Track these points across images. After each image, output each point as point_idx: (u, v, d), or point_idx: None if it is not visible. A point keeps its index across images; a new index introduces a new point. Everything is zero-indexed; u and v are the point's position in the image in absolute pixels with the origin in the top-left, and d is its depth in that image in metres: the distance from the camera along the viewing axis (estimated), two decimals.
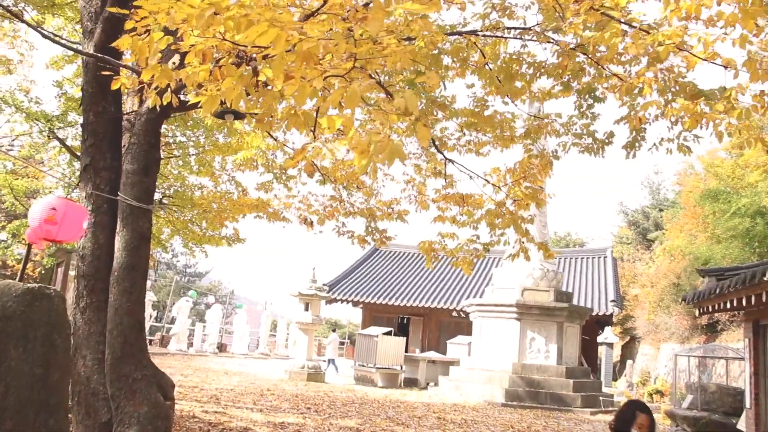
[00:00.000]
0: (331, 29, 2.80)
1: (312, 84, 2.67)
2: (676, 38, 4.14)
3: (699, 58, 4.44)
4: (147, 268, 6.08)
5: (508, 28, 8.61)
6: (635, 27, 4.63)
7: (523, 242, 10.82)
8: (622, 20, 4.71)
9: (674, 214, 35.38)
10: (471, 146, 11.68)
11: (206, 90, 3.47)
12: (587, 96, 7.77)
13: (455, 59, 9.16)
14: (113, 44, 3.07)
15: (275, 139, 11.20)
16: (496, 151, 11.54)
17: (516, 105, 9.93)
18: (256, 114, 6.54)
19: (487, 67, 9.05)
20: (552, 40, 8.16)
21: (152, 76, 3.49)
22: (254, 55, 3.36)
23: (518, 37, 8.74)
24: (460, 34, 8.56)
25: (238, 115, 6.68)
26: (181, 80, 3.70)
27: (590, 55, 7.72)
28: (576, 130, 9.81)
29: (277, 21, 2.39)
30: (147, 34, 2.77)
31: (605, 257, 35.11)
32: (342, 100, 3.32)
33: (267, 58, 3.26)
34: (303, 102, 2.72)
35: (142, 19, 2.67)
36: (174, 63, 3.33)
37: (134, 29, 2.78)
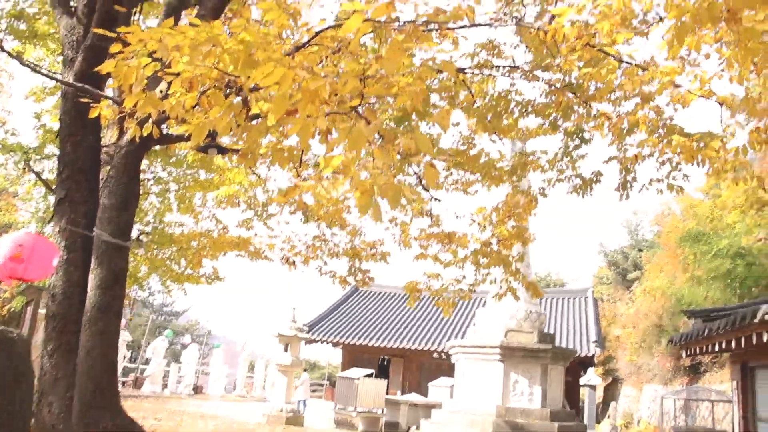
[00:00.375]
0: (333, 65, 2.64)
1: (316, 123, 2.50)
2: (674, 75, 4.07)
3: (695, 94, 4.37)
4: (122, 308, 5.77)
5: (496, 67, 8.61)
6: (631, 64, 4.57)
7: (510, 282, 10.65)
8: (621, 58, 4.64)
9: (653, 255, 35.60)
10: (458, 185, 11.57)
11: (193, 119, 3.28)
12: (575, 136, 7.72)
13: (443, 97, 9.11)
14: (97, 68, 2.87)
15: (258, 176, 11.01)
16: (484, 190, 11.43)
17: (503, 142, 9.90)
18: (239, 150, 6.37)
19: (475, 105, 9.02)
20: (541, 79, 8.17)
21: (135, 104, 3.30)
22: (242, 85, 3.19)
23: (507, 75, 8.74)
24: (472, 68, 8.53)
25: (222, 150, 6.49)
26: (164, 111, 3.51)
27: (579, 94, 7.71)
28: (561, 166, 9.78)
29: (284, 61, 2.25)
30: (133, 58, 2.59)
31: (586, 298, 35.06)
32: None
33: (257, 90, 3.09)
34: (306, 142, 2.55)
35: (127, 45, 2.49)
36: (161, 91, 3.13)
37: (120, 52, 2.59)
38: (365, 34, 3.48)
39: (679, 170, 7.23)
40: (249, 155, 6.08)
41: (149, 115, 3.59)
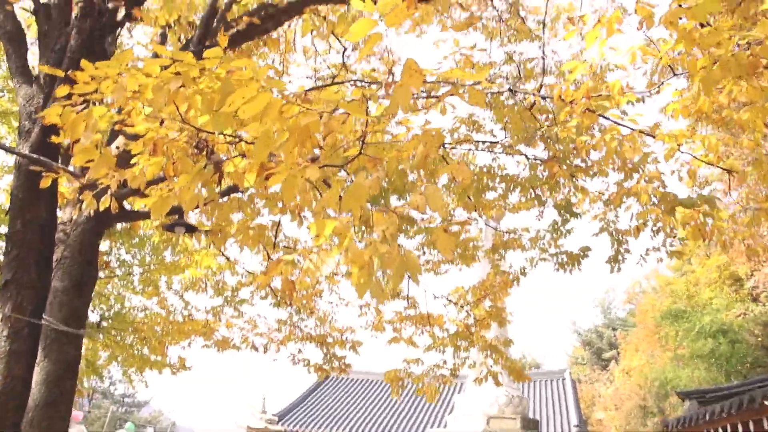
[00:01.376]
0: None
1: (304, 173, 2.07)
2: (682, 139, 3.82)
3: (701, 161, 4.11)
4: (71, 405, 5.06)
5: (476, 142, 8.42)
6: (634, 129, 4.32)
7: (490, 365, 10.10)
8: (624, 123, 4.40)
9: (628, 334, 35.32)
10: (429, 265, 11.15)
11: (155, 190, 2.84)
12: (563, 211, 7.46)
13: (422, 173, 8.85)
14: (48, 122, 2.43)
15: (227, 258, 10.45)
16: (454, 269, 11.04)
17: (484, 220, 9.61)
18: (208, 231, 5.89)
19: (455, 181, 8.76)
20: (524, 154, 7.98)
21: (95, 174, 2.84)
22: (214, 145, 2.76)
23: (488, 150, 8.55)
24: (451, 145, 8.30)
25: (191, 228, 6.00)
26: (124, 182, 3.05)
27: (566, 166, 7.50)
28: (543, 244, 9.47)
29: (269, 85, 1.82)
30: (86, 106, 2.15)
31: (563, 379, 34.19)
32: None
33: (235, 144, 2.67)
34: (291, 198, 2.10)
35: (74, 86, 2.06)
36: (118, 147, 2.69)
37: (69, 96, 2.15)
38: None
39: (674, 236, 6.99)
40: (219, 234, 5.62)
41: (107, 187, 3.14)
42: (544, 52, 6.84)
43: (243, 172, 2.87)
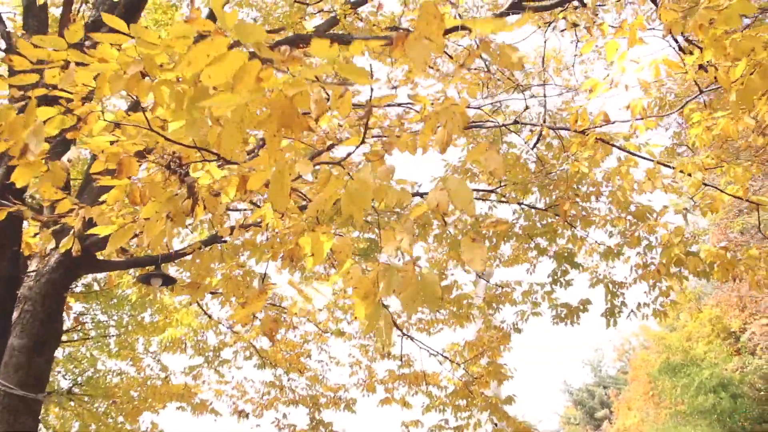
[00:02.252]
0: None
1: (292, 169, 1.67)
2: (709, 164, 3.51)
3: (729, 195, 3.80)
4: None
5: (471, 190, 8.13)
6: (652, 160, 4.02)
7: (496, 424, 9.54)
8: (639, 153, 4.10)
9: (620, 391, 34.56)
10: (423, 324, 10.67)
11: (118, 216, 2.43)
12: (564, 261, 7.11)
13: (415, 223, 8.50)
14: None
15: (209, 317, 9.90)
16: (448, 329, 10.56)
17: (477, 274, 9.20)
18: (186, 285, 5.43)
19: (449, 231, 8.41)
20: (519, 202, 7.68)
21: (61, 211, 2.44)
22: (185, 161, 2.37)
23: (483, 199, 8.24)
24: (420, 195, 7.98)
25: (168, 280, 5.53)
26: (91, 220, 2.65)
27: (568, 213, 7.20)
28: (536, 299, 9.06)
29: (240, 34, 1.38)
30: (25, 104, 1.73)
31: None
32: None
33: (209, 162, 2.28)
34: (283, 203, 1.68)
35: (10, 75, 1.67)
36: (70, 160, 2.28)
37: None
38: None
39: (669, 296, 6.65)
40: (198, 286, 5.16)
41: (71, 227, 2.73)
42: (544, 91, 6.61)
43: (218, 195, 2.48)
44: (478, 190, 7.99)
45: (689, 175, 3.66)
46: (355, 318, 7.92)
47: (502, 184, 7.90)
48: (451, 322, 9.91)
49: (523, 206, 7.66)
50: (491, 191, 7.92)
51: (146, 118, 2.01)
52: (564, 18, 6.63)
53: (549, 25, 6.66)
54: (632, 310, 6.48)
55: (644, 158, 4.03)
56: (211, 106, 1.43)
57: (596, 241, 6.83)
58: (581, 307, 7.08)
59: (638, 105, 3.20)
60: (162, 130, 2.04)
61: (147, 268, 5.49)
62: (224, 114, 1.46)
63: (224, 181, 2.03)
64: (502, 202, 7.72)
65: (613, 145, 3.99)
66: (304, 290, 1.84)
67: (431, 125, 1.74)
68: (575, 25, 6.87)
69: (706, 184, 3.81)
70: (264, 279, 8.26)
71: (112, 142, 2.26)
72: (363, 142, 1.83)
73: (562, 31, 6.57)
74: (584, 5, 6.43)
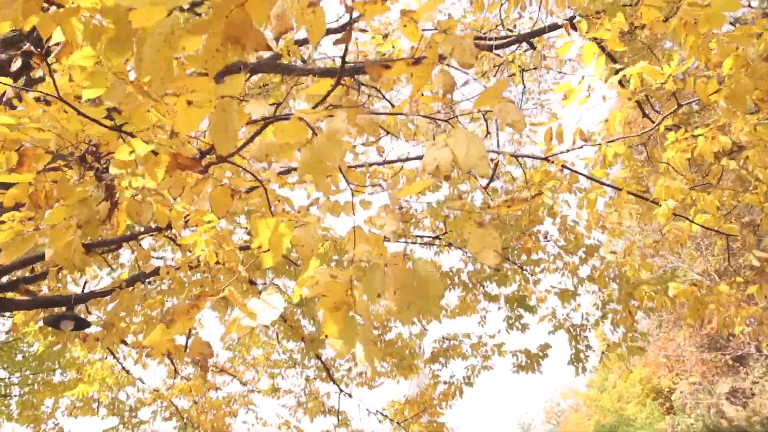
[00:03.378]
0: None
1: (241, 109, 1.23)
2: (679, 196, 3.30)
3: (700, 225, 3.60)
4: None
5: (415, 236, 7.81)
6: (620, 189, 3.80)
7: None
8: (611, 184, 3.87)
9: None
10: (363, 378, 10.16)
11: (11, 221, 1.92)
12: (516, 305, 6.83)
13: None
14: None
15: (126, 371, 9.00)
16: (390, 381, 10.08)
17: (423, 325, 8.80)
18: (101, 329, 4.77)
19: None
20: (463, 249, 7.41)
21: None
22: (101, 152, 1.91)
23: (425, 246, 7.94)
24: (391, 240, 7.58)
25: (81, 324, 4.85)
26: None
27: (516, 262, 6.97)
28: (486, 351, 8.76)
29: None
30: None
31: None
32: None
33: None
34: (229, 144, 1.22)
35: None
36: None
37: None
38: None
39: (636, 331, 6.48)
40: (113, 329, 4.53)
41: None
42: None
43: (141, 199, 2.01)
44: (422, 236, 7.69)
45: (659, 204, 3.46)
46: (321, 338, 7.24)
47: (445, 231, 7.64)
48: (393, 374, 9.43)
49: (469, 252, 7.40)
50: (435, 238, 7.63)
51: (54, 84, 1.56)
52: (512, 61, 6.57)
53: (497, 68, 6.58)
54: (603, 353, 6.21)
55: (613, 187, 3.82)
56: (132, 18, 1.01)
57: (551, 285, 6.61)
58: (541, 354, 6.76)
59: (617, 117, 2.99)
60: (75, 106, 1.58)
61: (58, 310, 4.80)
62: (148, 26, 1.04)
63: (150, 162, 1.57)
64: (449, 246, 7.43)
65: (582, 174, 3.77)
66: (247, 304, 1.39)
67: (432, 57, 1.34)
68: (524, 70, 6.83)
69: (676, 214, 3.63)
70: (190, 333, 7.56)
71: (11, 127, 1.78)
72: (341, 77, 1.41)
73: (511, 75, 6.49)
74: (533, 48, 6.39)
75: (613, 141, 3.35)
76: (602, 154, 3.49)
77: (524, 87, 7.29)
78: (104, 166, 2.01)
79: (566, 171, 3.54)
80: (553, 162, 3.53)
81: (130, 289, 4.56)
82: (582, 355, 6.77)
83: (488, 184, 6.05)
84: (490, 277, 6.89)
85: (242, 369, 10.75)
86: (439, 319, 1.30)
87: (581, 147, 3.31)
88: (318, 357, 7.95)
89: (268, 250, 1.41)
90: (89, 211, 1.92)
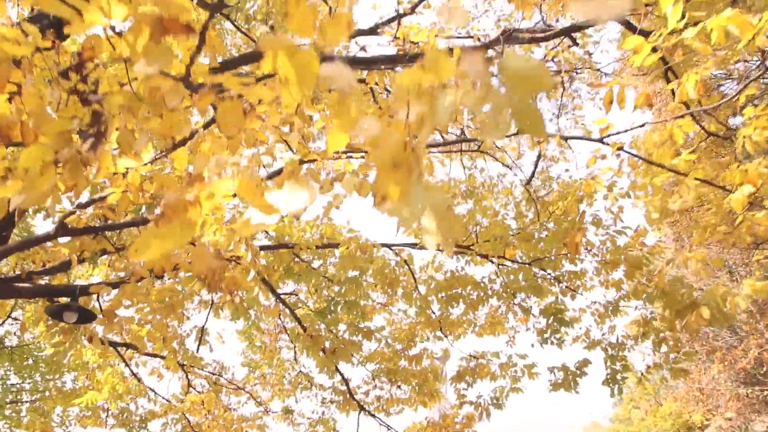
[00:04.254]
0: None
1: None
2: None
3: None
4: None
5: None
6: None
7: None
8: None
9: None
10: (381, 403, 9.61)
11: None
12: (551, 319, 6.33)
13: (381, 279, 7.64)
14: None
15: (138, 379, 8.62)
16: (410, 409, 9.52)
17: (450, 341, 8.30)
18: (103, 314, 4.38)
19: (417, 291, 7.56)
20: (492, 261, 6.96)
21: None
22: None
23: (454, 255, 7.50)
24: (389, 246, 7.17)
25: (85, 315, 4.48)
26: None
27: (552, 273, 6.51)
28: (516, 372, 8.22)
29: None
30: None
31: None
32: None
33: None
34: None
35: None
36: None
37: None
38: None
39: (679, 351, 5.97)
40: (113, 316, 4.15)
41: None
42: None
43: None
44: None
45: (731, 191, 3.00)
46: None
47: (477, 241, 7.21)
48: (412, 400, 8.92)
49: (501, 264, 6.94)
50: (467, 248, 7.18)
51: None
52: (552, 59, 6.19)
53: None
54: (642, 373, 5.70)
55: (676, 172, 3.35)
56: None
57: (591, 301, 6.12)
58: (578, 371, 6.24)
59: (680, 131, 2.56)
60: None
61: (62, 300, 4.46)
62: None
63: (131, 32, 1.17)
64: (483, 257, 6.97)
65: (639, 157, 3.32)
66: (263, 197, 0.98)
67: None
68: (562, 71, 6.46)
69: (752, 203, 3.15)
70: (203, 334, 7.18)
71: None
72: None
73: (557, 72, 6.10)
74: (576, 44, 6.01)
75: (681, 116, 2.93)
76: (669, 133, 3.07)
77: (563, 93, 6.89)
78: (92, 87, 1.64)
79: (622, 155, 3.14)
80: (608, 144, 3.13)
81: (137, 282, 4.20)
82: (618, 376, 6.25)
83: (530, 179, 5.63)
84: (525, 288, 6.42)
85: (258, 387, 10.33)
86: (544, 134, 0.85)
87: (643, 125, 2.90)
88: (338, 371, 7.50)
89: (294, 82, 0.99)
90: (72, 149, 1.55)
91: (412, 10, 5.72)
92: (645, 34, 5.61)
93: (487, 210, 7.45)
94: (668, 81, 5.81)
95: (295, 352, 8.61)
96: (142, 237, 0.96)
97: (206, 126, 3.22)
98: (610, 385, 6.03)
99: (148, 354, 7.98)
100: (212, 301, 7.61)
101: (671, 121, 2.98)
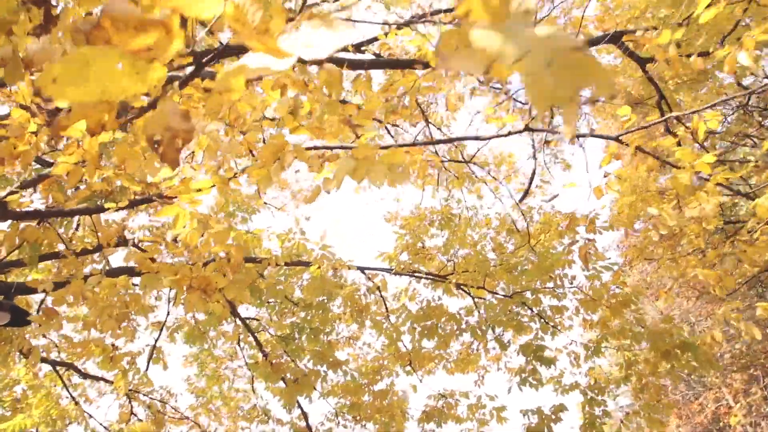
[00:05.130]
0: None
1: None
2: None
3: None
4: None
5: (419, 273, 7.00)
6: None
7: None
8: None
9: None
10: None
11: None
12: (532, 356, 5.95)
13: (348, 305, 7.19)
14: None
15: (76, 403, 7.87)
16: None
17: (419, 376, 7.83)
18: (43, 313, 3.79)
19: (389, 319, 7.12)
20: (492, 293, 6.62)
21: None
22: None
23: (428, 286, 7.12)
24: (362, 270, 6.75)
25: (19, 317, 3.90)
26: None
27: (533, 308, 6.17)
28: (484, 414, 7.81)
29: None
30: None
31: None
32: None
33: None
34: None
35: None
36: None
37: None
38: None
39: (659, 399, 5.67)
40: (54, 314, 3.58)
41: None
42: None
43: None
44: (429, 275, 6.87)
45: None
46: None
47: (453, 271, 6.87)
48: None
49: (478, 297, 6.58)
50: (443, 278, 6.81)
51: None
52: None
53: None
54: (621, 421, 5.35)
55: (701, 177, 3.08)
56: None
57: (571, 340, 5.80)
58: (554, 416, 5.84)
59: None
60: None
61: None
62: None
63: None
64: (461, 288, 6.60)
65: (663, 159, 3.02)
66: (274, 39, 0.59)
67: None
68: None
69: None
70: (154, 352, 6.55)
71: None
72: None
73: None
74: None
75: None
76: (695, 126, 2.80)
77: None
78: None
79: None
80: (625, 142, 2.88)
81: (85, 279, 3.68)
82: (597, 422, 5.89)
83: (524, 197, 5.34)
84: (505, 323, 6.06)
85: (204, 419, 9.63)
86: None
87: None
88: (299, 404, 6.95)
89: None
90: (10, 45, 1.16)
91: (399, 27, 5.47)
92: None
93: (465, 239, 7.13)
94: (662, 112, 5.66)
95: (252, 381, 8.02)
96: (68, 60, 0.55)
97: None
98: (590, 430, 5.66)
99: (90, 376, 7.29)
100: (165, 321, 7.02)
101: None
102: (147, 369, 5.74)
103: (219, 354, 8.20)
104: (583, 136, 4.06)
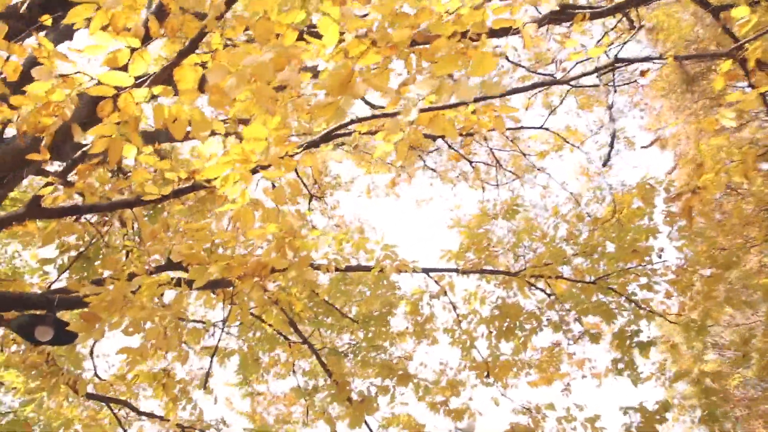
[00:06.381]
0: None
1: None
2: None
3: None
4: None
5: (487, 271, 6.42)
6: None
7: None
8: None
9: None
10: None
11: None
12: (628, 344, 5.25)
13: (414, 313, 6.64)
14: None
15: (119, 421, 7.39)
16: None
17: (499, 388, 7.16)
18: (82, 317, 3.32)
19: (461, 323, 6.53)
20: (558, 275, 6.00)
21: None
22: None
23: (502, 281, 6.53)
24: (427, 272, 6.21)
25: (63, 335, 3.46)
26: None
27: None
28: (574, 430, 7.05)
29: None
30: None
31: None
32: None
33: None
34: None
35: None
36: None
37: None
38: None
39: None
40: (96, 320, 3.07)
41: None
42: None
43: None
44: (496, 271, 6.29)
45: None
46: None
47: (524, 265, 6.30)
48: None
49: (552, 294, 5.95)
50: (515, 274, 6.21)
51: None
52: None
53: None
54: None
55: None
56: None
57: (677, 314, 5.12)
58: (659, 415, 5.09)
59: None
60: None
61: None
62: None
63: None
64: (534, 284, 5.99)
65: None
66: None
67: None
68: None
69: None
70: (208, 377, 6.07)
71: None
72: None
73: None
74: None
75: None
76: None
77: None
78: None
79: None
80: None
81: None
82: (717, 412, 5.13)
83: (607, 160, 4.79)
84: (592, 310, 5.41)
85: None
86: None
87: None
88: (367, 426, 6.35)
89: None
90: None
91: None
92: None
93: (533, 231, 6.55)
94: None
95: (306, 409, 7.49)
96: None
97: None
98: (710, 423, 4.89)
99: (144, 414, 6.81)
100: (216, 346, 6.57)
101: None
102: (204, 391, 5.23)
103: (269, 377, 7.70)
104: (687, 58, 3.52)
